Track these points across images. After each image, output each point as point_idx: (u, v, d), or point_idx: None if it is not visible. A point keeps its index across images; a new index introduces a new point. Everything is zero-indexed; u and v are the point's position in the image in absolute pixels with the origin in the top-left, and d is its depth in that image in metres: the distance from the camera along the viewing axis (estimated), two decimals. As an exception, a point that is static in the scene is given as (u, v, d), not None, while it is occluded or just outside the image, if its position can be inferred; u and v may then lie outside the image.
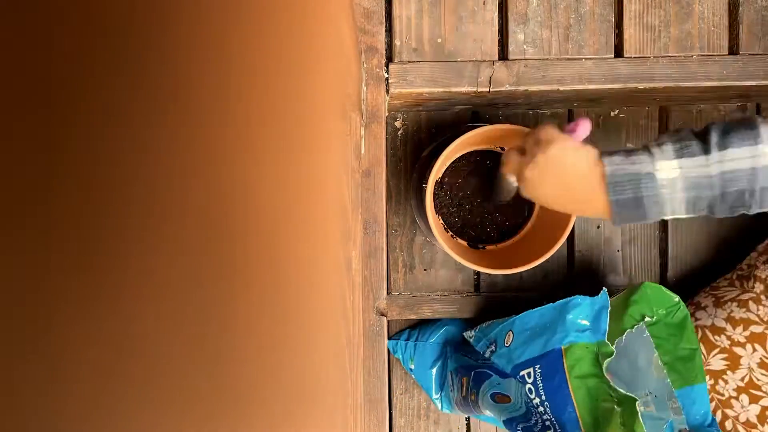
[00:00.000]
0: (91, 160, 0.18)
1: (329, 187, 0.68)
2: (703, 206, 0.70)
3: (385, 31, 1.02)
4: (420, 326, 1.20)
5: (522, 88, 1.04)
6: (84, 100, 0.18)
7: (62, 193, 0.17)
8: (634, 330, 0.96)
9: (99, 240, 0.19)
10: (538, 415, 0.94)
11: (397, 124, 1.16)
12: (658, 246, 1.18)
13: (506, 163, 0.82)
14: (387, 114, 1.07)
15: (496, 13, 1.08)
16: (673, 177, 0.69)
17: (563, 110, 1.16)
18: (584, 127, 0.76)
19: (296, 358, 0.49)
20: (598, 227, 1.17)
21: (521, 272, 1.17)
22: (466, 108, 1.15)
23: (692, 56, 1.06)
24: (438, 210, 1.09)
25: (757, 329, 0.99)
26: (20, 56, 0.15)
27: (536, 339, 0.95)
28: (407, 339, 1.18)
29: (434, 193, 1.08)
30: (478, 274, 1.18)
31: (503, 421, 0.99)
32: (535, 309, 0.98)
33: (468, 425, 1.22)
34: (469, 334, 1.08)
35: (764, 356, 0.98)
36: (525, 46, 1.08)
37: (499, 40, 1.08)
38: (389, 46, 1.06)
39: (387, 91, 1.02)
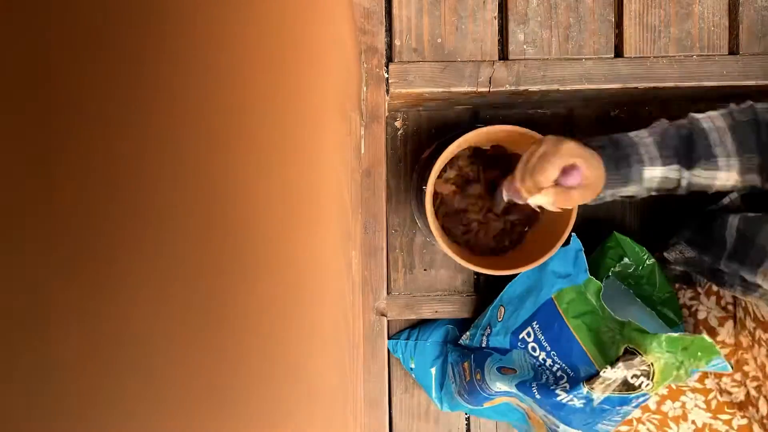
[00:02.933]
0: (90, 158, 0.18)
1: (329, 187, 0.68)
2: (670, 148, 0.84)
3: (385, 31, 1.02)
4: (420, 326, 1.20)
5: (522, 88, 1.04)
6: (82, 99, 0.18)
7: (60, 191, 0.17)
8: (609, 279, 1.02)
9: (97, 239, 0.19)
10: (546, 370, 0.96)
11: (397, 124, 1.16)
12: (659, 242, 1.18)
13: (518, 179, 0.82)
14: (387, 114, 1.07)
15: (496, 13, 1.08)
16: (637, 131, 0.86)
17: (563, 110, 1.16)
18: (575, 177, 0.78)
19: (296, 358, 0.49)
20: (597, 229, 1.17)
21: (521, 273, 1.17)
22: (466, 108, 1.15)
23: (692, 56, 1.06)
24: (442, 224, 1.09)
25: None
26: (17, 55, 0.15)
27: (526, 301, 1.00)
28: (407, 338, 1.18)
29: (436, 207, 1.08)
30: (477, 274, 1.18)
31: (516, 386, 1.00)
32: (517, 277, 1.02)
33: (468, 425, 1.22)
34: (465, 338, 1.10)
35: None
36: (525, 46, 1.08)
37: (499, 40, 1.08)
38: (389, 46, 1.06)
39: (387, 91, 1.02)
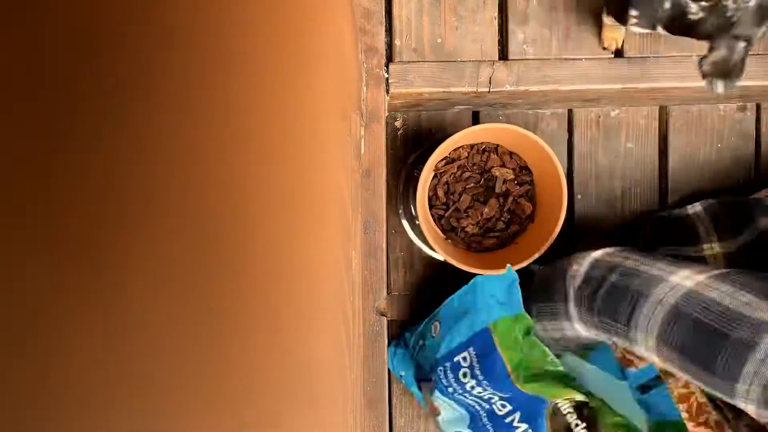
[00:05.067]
0: (90, 156, 0.18)
1: (329, 187, 0.68)
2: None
3: (385, 31, 1.02)
4: (413, 332, 1.19)
5: (522, 88, 1.04)
6: (83, 97, 0.18)
7: (59, 190, 0.17)
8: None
9: (96, 237, 0.19)
10: (479, 401, 0.96)
11: (397, 124, 1.16)
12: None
13: None
14: (387, 114, 1.07)
15: (496, 13, 1.08)
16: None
17: (563, 110, 1.16)
18: None
19: (296, 358, 0.49)
20: (597, 231, 1.17)
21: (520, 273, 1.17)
22: (466, 108, 1.15)
23: (692, 56, 1.06)
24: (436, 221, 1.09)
25: None
26: (17, 55, 0.15)
27: (461, 321, 0.98)
28: (396, 346, 1.17)
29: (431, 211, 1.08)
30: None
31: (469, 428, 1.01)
32: (453, 294, 1.00)
33: (468, 425, 1.22)
34: (410, 339, 1.10)
35: None
36: (525, 46, 1.08)
37: (499, 40, 1.08)
38: (389, 46, 1.06)
39: (387, 91, 1.02)
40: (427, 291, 1.17)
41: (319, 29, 0.61)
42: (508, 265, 0.94)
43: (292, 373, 0.47)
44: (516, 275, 0.93)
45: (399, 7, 1.06)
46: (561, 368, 0.89)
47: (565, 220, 0.99)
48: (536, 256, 0.99)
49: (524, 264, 0.99)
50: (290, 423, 0.46)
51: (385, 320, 1.00)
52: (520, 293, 0.92)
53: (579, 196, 1.16)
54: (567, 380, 0.89)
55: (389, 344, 1.17)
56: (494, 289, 0.95)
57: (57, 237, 0.17)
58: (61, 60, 0.17)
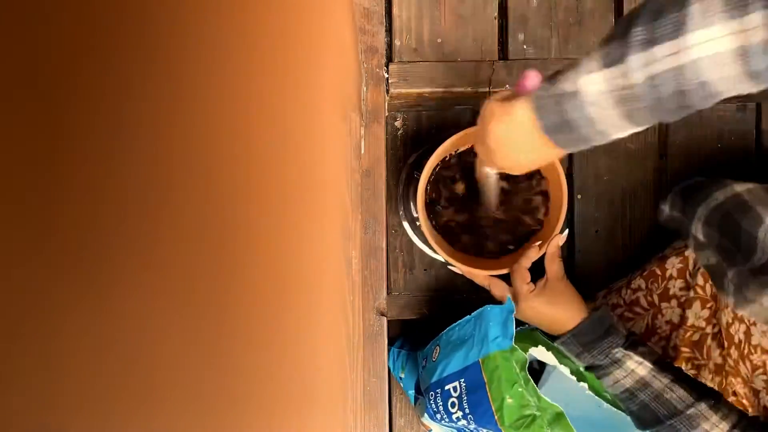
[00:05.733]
0: (89, 156, 0.18)
1: (329, 187, 0.68)
2: (644, 118, 0.60)
3: (385, 31, 1.02)
4: (412, 335, 1.19)
5: (522, 88, 1.04)
6: (82, 97, 0.18)
7: (58, 189, 0.17)
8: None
9: (94, 236, 0.19)
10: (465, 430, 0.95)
11: (397, 124, 1.16)
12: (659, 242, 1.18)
13: (476, 149, 0.83)
14: (387, 114, 1.07)
15: (496, 13, 1.08)
16: (600, 91, 0.59)
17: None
18: (532, 79, 0.68)
19: (296, 358, 0.49)
20: (597, 231, 1.17)
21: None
22: (466, 108, 1.15)
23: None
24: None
25: (618, 311, 1.04)
26: (17, 55, 0.15)
27: (457, 351, 0.96)
28: (400, 347, 1.17)
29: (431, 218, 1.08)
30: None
31: None
32: (457, 322, 0.99)
33: (468, 425, 1.22)
34: (420, 355, 1.09)
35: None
36: (525, 46, 1.08)
37: (499, 40, 1.08)
38: (389, 46, 1.06)
39: (387, 91, 1.02)
40: (427, 291, 1.17)
41: (319, 29, 0.61)
42: (508, 296, 0.93)
43: (291, 373, 0.47)
44: (513, 306, 0.92)
45: (399, 7, 1.06)
46: (555, 408, 0.87)
47: (565, 220, 0.99)
48: (540, 253, 0.99)
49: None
50: (290, 423, 0.46)
51: (385, 320, 1.00)
52: (513, 326, 0.91)
53: (579, 197, 1.16)
54: (557, 423, 0.87)
55: (391, 345, 1.17)
56: (491, 321, 0.93)
57: (54, 235, 0.17)
58: (59, 58, 0.17)
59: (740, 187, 0.91)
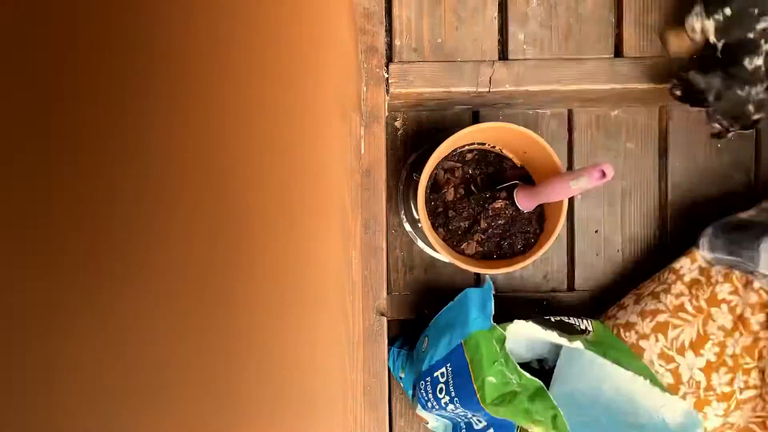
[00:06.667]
0: (96, 157, 0.18)
1: (329, 187, 0.68)
2: None
3: (385, 31, 1.02)
4: (412, 335, 1.19)
5: (522, 88, 1.04)
6: (89, 98, 0.18)
7: (63, 191, 0.17)
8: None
9: (101, 241, 0.19)
10: (456, 417, 0.95)
11: (397, 124, 1.16)
12: (659, 242, 1.18)
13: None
14: (387, 114, 1.07)
15: (496, 13, 1.08)
16: None
17: (563, 110, 1.16)
18: (609, 171, 0.79)
19: (296, 358, 0.49)
20: (596, 231, 1.17)
21: (521, 273, 1.17)
22: (466, 108, 1.15)
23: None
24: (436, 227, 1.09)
25: (662, 318, 1.01)
26: (22, 58, 0.15)
27: (442, 338, 0.97)
28: (400, 347, 1.17)
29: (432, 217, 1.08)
30: (477, 274, 1.18)
31: None
32: (442, 310, 1.00)
33: (468, 425, 1.22)
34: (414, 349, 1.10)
35: (665, 346, 1.00)
36: (525, 46, 1.08)
37: (499, 40, 1.08)
38: (389, 46, 1.06)
39: (387, 91, 1.02)
40: (427, 291, 1.17)
41: (319, 30, 0.61)
42: (487, 276, 0.94)
43: (292, 373, 0.47)
44: (491, 286, 0.92)
45: (399, 7, 1.06)
46: (535, 383, 0.87)
47: (565, 220, 0.99)
48: (536, 256, 0.99)
49: (523, 264, 0.99)
50: (291, 423, 0.46)
51: (385, 320, 1.00)
52: (492, 306, 0.91)
53: (579, 197, 1.16)
54: (538, 398, 0.87)
55: (392, 345, 1.17)
56: (472, 303, 0.94)
57: (61, 237, 0.17)
58: (67, 60, 0.17)
59: None
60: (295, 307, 0.48)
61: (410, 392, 1.12)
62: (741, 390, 0.96)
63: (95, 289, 0.19)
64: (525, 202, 0.99)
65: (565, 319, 1.00)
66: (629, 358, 0.99)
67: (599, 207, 1.17)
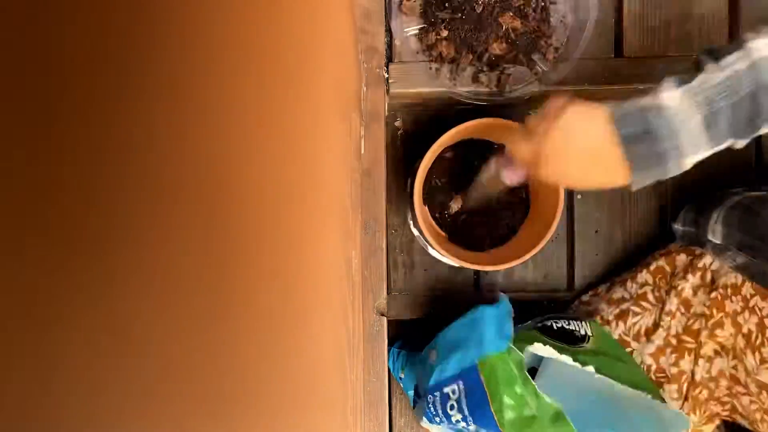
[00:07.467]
0: (95, 159, 0.18)
1: (329, 187, 0.68)
2: (722, 128, 0.66)
3: (385, 31, 1.02)
4: (412, 335, 1.19)
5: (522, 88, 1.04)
6: (87, 99, 0.18)
7: (63, 191, 0.17)
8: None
9: (101, 241, 0.19)
10: None
11: (397, 124, 1.16)
12: (659, 242, 1.18)
13: (514, 149, 0.75)
14: (387, 114, 1.07)
15: (496, 13, 1.07)
16: (681, 102, 0.65)
17: (563, 110, 1.16)
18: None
19: (296, 358, 0.49)
20: (597, 231, 1.17)
21: (521, 272, 1.17)
22: (466, 108, 1.15)
23: (692, 56, 1.06)
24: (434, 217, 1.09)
25: (625, 306, 1.03)
26: (22, 58, 0.15)
27: (454, 354, 0.95)
28: (400, 347, 1.17)
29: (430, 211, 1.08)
30: (477, 274, 1.18)
31: None
32: (452, 324, 0.98)
33: (468, 425, 1.22)
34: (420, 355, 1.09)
35: (623, 332, 1.02)
36: (525, 46, 1.08)
37: (499, 40, 1.08)
38: (389, 46, 1.05)
39: (387, 91, 1.02)
40: (427, 291, 1.17)
41: (320, 30, 0.61)
42: (503, 295, 0.92)
43: (292, 373, 0.47)
44: (510, 307, 0.90)
45: (399, 7, 1.06)
46: (554, 408, 0.86)
47: (565, 220, 0.99)
48: (535, 251, 0.99)
49: (520, 261, 0.99)
50: (290, 423, 0.46)
51: (385, 320, 1.00)
52: (511, 326, 0.89)
53: (579, 196, 1.16)
54: (557, 423, 0.86)
55: (392, 345, 1.16)
56: (487, 323, 0.92)
57: (61, 238, 0.17)
58: (69, 62, 0.17)
59: (756, 193, 0.92)
60: (295, 307, 0.48)
61: (411, 393, 1.13)
62: (692, 372, 0.97)
63: (95, 289, 0.19)
64: (508, 172, 0.92)
65: (566, 325, 0.99)
66: (628, 365, 0.98)
67: (599, 207, 1.17)
